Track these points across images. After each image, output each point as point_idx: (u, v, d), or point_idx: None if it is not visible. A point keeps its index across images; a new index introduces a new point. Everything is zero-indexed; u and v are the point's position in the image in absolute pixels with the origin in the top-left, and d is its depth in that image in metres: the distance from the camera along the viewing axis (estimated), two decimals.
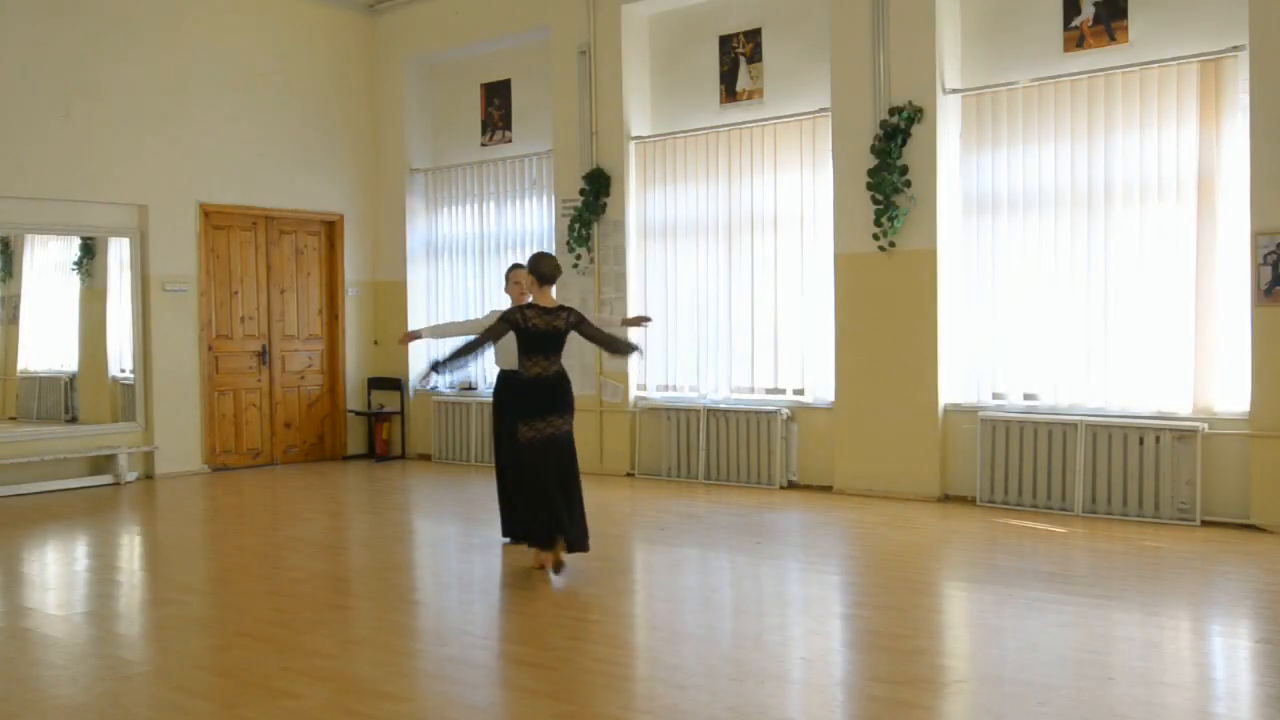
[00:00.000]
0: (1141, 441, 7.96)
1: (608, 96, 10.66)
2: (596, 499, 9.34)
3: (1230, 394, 7.79)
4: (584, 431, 10.78)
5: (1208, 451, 7.78)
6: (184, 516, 9.17)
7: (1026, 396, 8.69)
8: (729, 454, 9.93)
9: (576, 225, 10.71)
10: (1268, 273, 7.40)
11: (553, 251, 11.13)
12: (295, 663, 4.96)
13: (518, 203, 11.80)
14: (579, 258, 10.73)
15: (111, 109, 10.56)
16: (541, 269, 6.54)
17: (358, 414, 12.54)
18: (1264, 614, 5.72)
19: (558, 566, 6.37)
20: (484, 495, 9.85)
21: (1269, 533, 7.41)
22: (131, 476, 10.61)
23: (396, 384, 12.48)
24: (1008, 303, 8.73)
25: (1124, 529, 7.72)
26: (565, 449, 6.50)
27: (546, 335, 6.43)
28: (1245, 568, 6.60)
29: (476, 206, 12.16)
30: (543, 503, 6.37)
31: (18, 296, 11.00)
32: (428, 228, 12.61)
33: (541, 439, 6.42)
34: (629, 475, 10.49)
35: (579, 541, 6.48)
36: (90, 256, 11.00)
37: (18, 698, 4.59)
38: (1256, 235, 7.45)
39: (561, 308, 6.53)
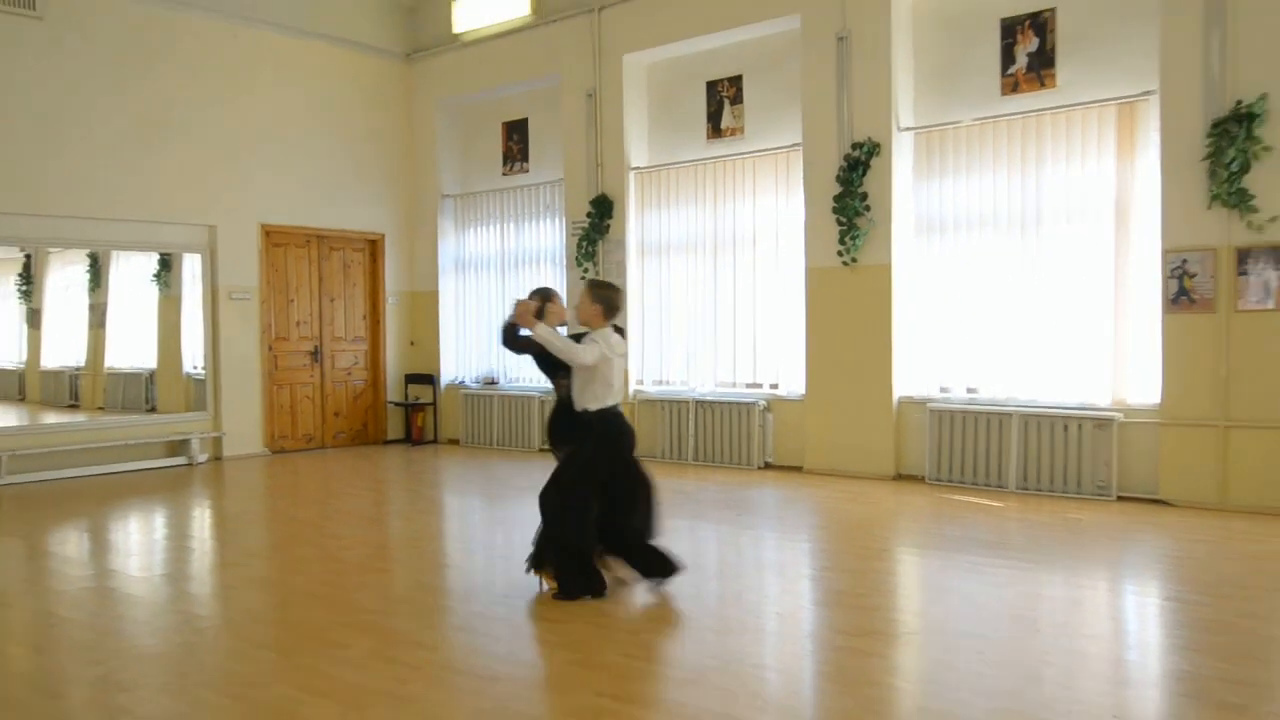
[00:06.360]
0: (1066, 429, 7.98)
1: (611, 133, 10.66)
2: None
3: (1142, 388, 7.81)
4: None
5: (1123, 437, 7.80)
6: (247, 492, 9.18)
7: (969, 390, 8.70)
8: (714, 439, 9.94)
9: (584, 243, 10.71)
10: (1174, 285, 7.41)
11: (563, 266, 11.15)
12: (344, 617, 4.97)
13: (534, 224, 11.79)
14: (586, 271, 10.73)
15: (186, 143, 10.56)
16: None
17: (396, 405, 12.54)
18: (1170, 576, 5.74)
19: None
20: (506, 474, 9.88)
21: (1175, 506, 7.43)
22: (202, 458, 10.62)
23: (429, 379, 12.48)
24: (953, 310, 8.74)
25: (1051, 503, 7.74)
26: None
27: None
28: (1155, 537, 6.61)
29: (498, 227, 12.16)
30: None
31: (105, 304, 11.00)
32: (456, 245, 12.61)
33: None
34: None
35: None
36: (167, 269, 11.01)
37: (105, 647, 4.61)
38: (1166, 253, 7.46)
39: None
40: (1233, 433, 7.23)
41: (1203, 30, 7.26)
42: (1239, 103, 7.10)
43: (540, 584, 5.41)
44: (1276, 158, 7.00)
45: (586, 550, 5.24)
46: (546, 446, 5.64)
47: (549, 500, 5.27)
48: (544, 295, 5.54)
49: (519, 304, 5.29)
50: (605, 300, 5.37)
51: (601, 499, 5.31)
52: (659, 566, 5.34)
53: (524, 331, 5.40)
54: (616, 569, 5.45)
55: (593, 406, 5.27)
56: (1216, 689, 3.88)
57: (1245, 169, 7.06)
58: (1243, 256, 7.15)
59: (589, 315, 5.38)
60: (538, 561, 5.41)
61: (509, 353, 5.71)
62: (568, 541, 5.21)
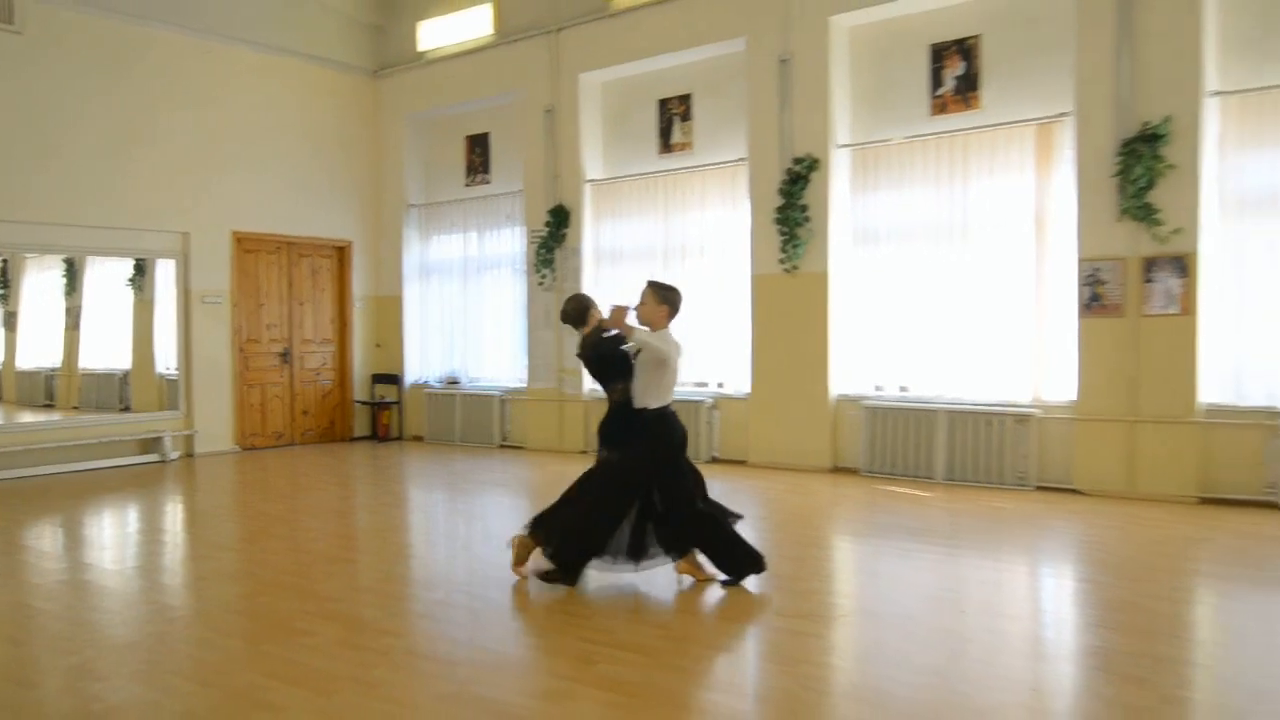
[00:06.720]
0: (990, 424, 8.11)
1: (568, 147, 10.64)
2: (559, 472, 9.34)
3: (1059, 387, 7.95)
4: (552, 417, 10.79)
5: (1041, 432, 7.94)
6: (218, 488, 9.02)
7: (900, 388, 8.80)
8: None
9: (542, 251, 10.68)
10: (1088, 291, 7.57)
11: (524, 272, 11.11)
12: (311, 606, 4.91)
13: (494, 232, 11.73)
14: (544, 278, 10.70)
15: (161, 154, 10.36)
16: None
17: (363, 403, 12.40)
18: (1084, 559, 5.86)
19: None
20: (467, 469, 9.81)
21: (1087, 495, 7.59)
22: (175, 455, 10.42)
23: (395, 379, 12.36)
24: (886, 314, 8.83)
25: (975, 493, 7.85)
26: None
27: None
28: (1070, 523, 6.74)
29: (461, 235, 12.07)
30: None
31: (80, 307, 10.76)
32: (421, 252, 12.50)
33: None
34: (582, 453, 10.47)
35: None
36: (142, 274, 10.78)
37: (81, 637, 4.50)
38: (1081, 262, 7.62)
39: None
40: (1139, 427, 7.40)
41: (1113, 58, 7.43)
42: (1145, 124, 7.27)
43: (511, 557, 5.33)
44: (1179, 175, 7.18)
45: (591, 551, 5.03)
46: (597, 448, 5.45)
47: (593, 489, 5.09)
48: (587, 303, 5.47)
49: (617, 309, 5.09)
50: (671, 303, 5.22)
51: (679, 500, 5.05)
52: (742, 563, 5.08)
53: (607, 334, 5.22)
54: (697, 572, 5.22)
55: (653, 405, 5.17)
56: (1124, 663, 3.97)
57: (1151, 185, 7.24)
58: (1149, 265, 7.32)
59: (655, 316, 5.20)
60: (534, 526, 5.21)
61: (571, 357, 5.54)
62: (584, 539, 5.00)
